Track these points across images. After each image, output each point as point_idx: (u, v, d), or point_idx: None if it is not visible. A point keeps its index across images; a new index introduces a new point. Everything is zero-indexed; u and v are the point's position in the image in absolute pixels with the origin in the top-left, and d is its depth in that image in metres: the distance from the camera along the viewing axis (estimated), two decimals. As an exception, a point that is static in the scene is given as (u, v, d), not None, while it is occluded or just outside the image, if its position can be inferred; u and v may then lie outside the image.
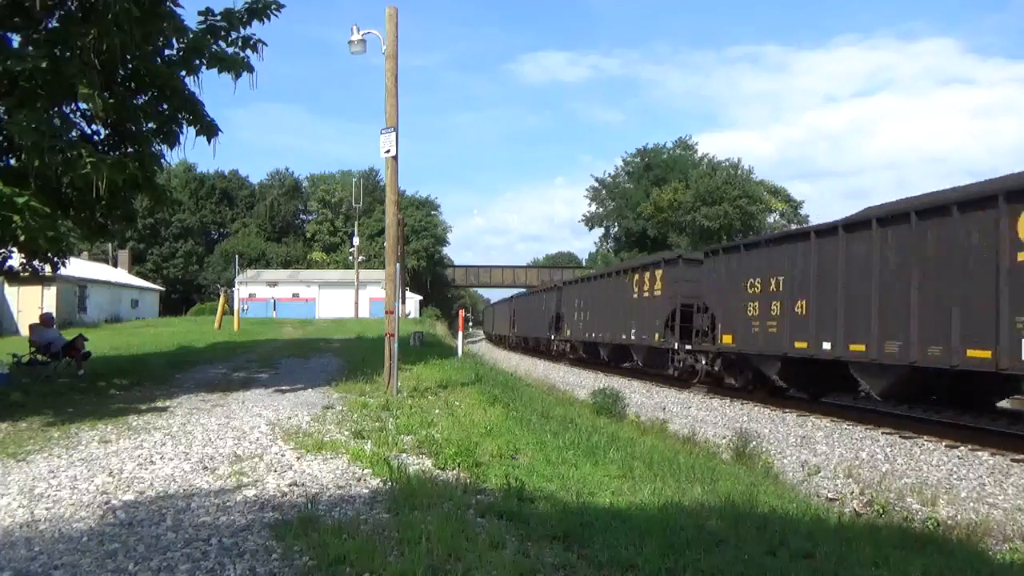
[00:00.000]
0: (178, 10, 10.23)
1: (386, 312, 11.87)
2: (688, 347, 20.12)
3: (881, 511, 7.94)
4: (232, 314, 39.65)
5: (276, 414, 9.33)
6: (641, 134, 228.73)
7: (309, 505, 5.16)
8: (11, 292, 36.37)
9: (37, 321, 14.84)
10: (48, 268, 12.14)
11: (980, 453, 11.14)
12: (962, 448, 11.46)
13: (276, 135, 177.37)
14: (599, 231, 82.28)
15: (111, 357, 17.54)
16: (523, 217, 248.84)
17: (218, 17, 10.52)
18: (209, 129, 11.05)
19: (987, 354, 10.74)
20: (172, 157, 11.76)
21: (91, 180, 8.99)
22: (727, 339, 17.84)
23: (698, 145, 79.69)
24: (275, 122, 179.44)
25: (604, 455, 7.75)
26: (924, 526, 6.85)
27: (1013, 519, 8.04)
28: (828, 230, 14.61)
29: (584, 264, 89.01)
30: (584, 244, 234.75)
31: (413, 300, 66.52)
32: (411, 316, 57.51)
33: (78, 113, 10.28)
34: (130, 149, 10.69)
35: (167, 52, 10.73)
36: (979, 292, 10.97)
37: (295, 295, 66.05)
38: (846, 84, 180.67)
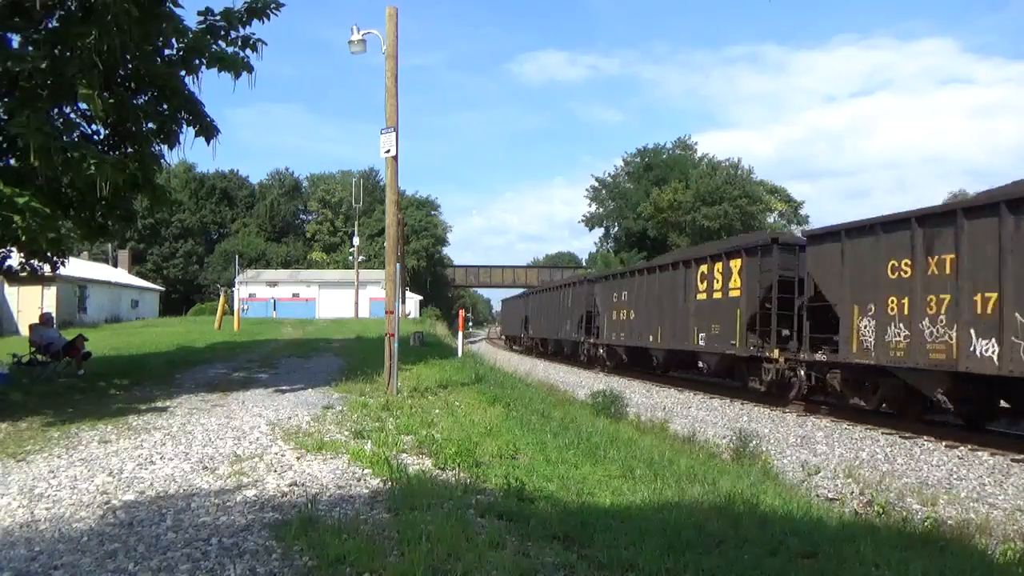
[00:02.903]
0: (178, 10, 10.24)
1: (386, 312, 11.87)
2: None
3: (881, 511, 7.94)
4: (232, 314, 39.65)
5: (276, 414, 9.33)
6: (640, 134, 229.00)
7: (309, 505, 5.16)
8: (11, 292, 36.39)
9: (37, 321, 14.85)
10: (48, 268, 12.14)
11: (980, 453, 11.14)
12: (962, 448, 11.46)
13: (276, 135, 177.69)
14: (599, 231, 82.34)
15: (111, 357, 17.54)
16: (523, 217, 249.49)
17: (217, 17, 10.52)
18: (208, 130, 11.05)
19: None
20: (172, 157, 11.77)
21: (93, 181, 9.00)
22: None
23: (697, 145, 79.79)
24: (275, 122, 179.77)
25: (604, 455, 7.75)
26: (924, 526, 6.85)
27: (1013, 519, 8.04)
28: None
29: (584, 264, 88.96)
30: (584, 244, 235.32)
31: (413, 300, 66.54)
32: (411, 316, 57.50)
33: (78, 113, 10.28)
34: (130, 149, 10.69)
35: (167, 52, 10.73)
36: None
37: (295, 295, 66.05)
38: (845, 84, 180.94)
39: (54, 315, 19.50)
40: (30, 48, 9.32)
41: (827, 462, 11.04)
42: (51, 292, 36.42)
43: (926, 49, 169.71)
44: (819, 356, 14.98)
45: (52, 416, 9.05)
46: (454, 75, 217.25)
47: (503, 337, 59.92)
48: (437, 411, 9.69)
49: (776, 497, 7.00)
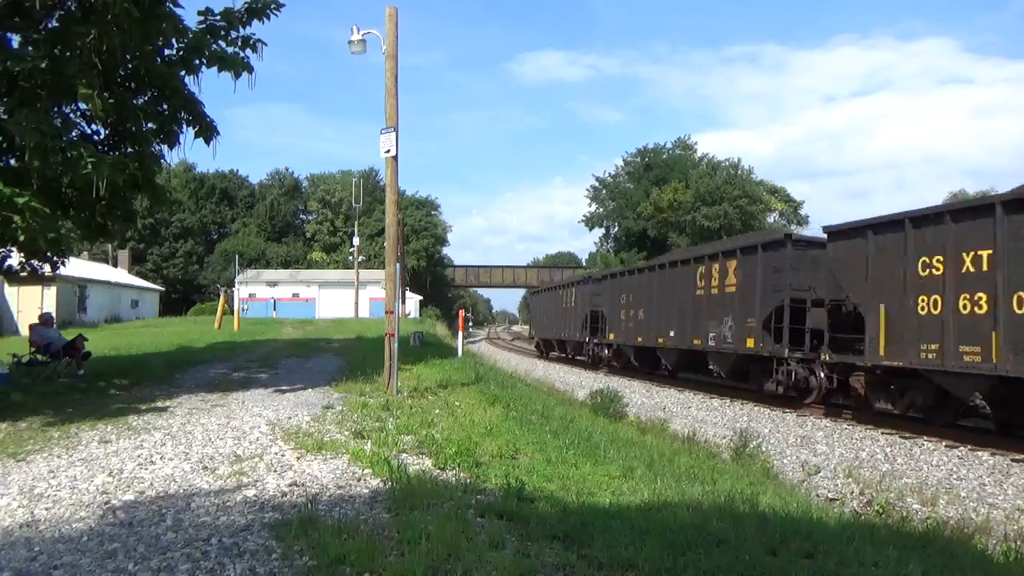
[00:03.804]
0: (178, 10, 10.23)
1: (386, 312, 11.87)
2: None
3: (881, 511, 7.94)
4: (232, 314, 39.62)
5: (276, 414, 9.33)
6: (640, 134, 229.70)
7: (309, 505, 5.16)
8: (11, 292, 36.38)
9: (37, 321, 14.85)
10: (48, 268, 12.13)
11: (980, 453, 11.14)
12: (962, 448, 11.46)
13: (276, 135, 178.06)
14: (599, 231, 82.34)
15: (111, 357, 17.53)
16: (522, 217, 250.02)
17: (218, 17, 10.50)
18: (208, 130, 11.03)
19: None
20: (172, 157, 11.75)
21: (91, 180, 8.99)
22: None
23: (697, 145, 79.82)
24: (275, 122, 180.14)
25: (604, 455, 7.74)
26: (924, 526, 6.85)
27: (1013, 519, 8.04)
28: None
29: (584, 264, 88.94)
30: (584, 244, 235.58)
31: (413, 300, 66.51)
32: (411, 316, 57.49)
33: (78, 113, 10.27)
34: (130, 149, 10.69)
35: (167, 52, 10.72)
36: None
37: (295, 295, 66.05)
38: (845, 83, 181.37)
39: (54, 315, 19.48)
40: (30, 48, 9.31)
41: (827, 462, 11.04)
42: (51, 292, 36.42)
43: (926, 49, 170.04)
44: None
45: (52, 416, 9.05)
46: (454, 75, 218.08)
47: (535, 341, 42.99)
48: (437, 411, 9.68)
49: (776, 497, 7.00)
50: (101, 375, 13.29)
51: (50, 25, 9.64)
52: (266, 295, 64.82)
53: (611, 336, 26.40)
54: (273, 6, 10.67)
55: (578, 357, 32.17)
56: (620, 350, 26.18)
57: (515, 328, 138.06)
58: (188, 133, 11.06)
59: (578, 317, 30.35)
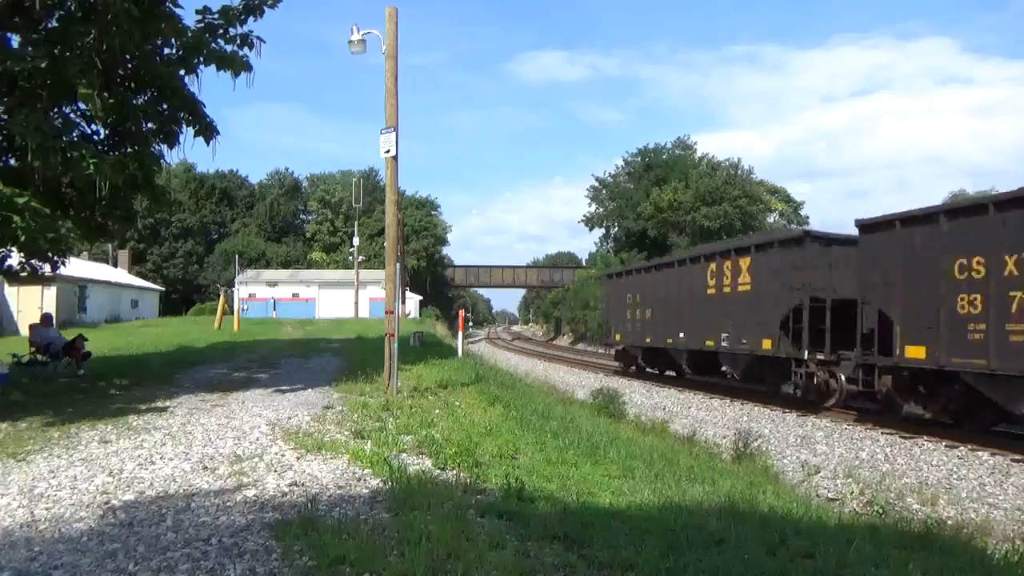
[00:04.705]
0: (177, 9, 10.23)
1: (386, 312, 11.86)
2: None
3: (881, 511, 7.94)
4: (232, 314, 39.62)
5: (276, 414, 9.32)
6: (639, 134, 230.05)
7: (309, 505, 5.16)
8: (11, 292, 36.37)
9: (37, 321, 14.85)
10: (48, 268, 12.13)
11: (980, 453, 11.14)
12: (962, 448, 11.47)
13: (276, 135, 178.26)
14: (599, 231, 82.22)
15: (111, 357, 17.53)
16: (522, 217, 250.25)
17: (216, 15, 10.49)
18: (208, 130, 11.03)
19: None
20: (172, 157, 11.74)
21: (92, 180, 8.99)
22: None
23: (697, 145, 79.69)
24: (275, 122, 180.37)
25: (604, 455, 7.74)
26: (924, 526, 6.85)
27: (1013, 519, 8.04)
28: None
29: (584, 264, 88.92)
30: (583, 244, 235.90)
31: (413, 300, 66.50)
32: (411, 316, 57.47)
33: (78, 113, 10.27)
34: (130, 149, 10.68)
35: (166, 52, 10.72)
36: None
37: (295, 295, 66.04)
38: (844, 83, 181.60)
39: (54, 315, 19.49)
40: (30, 48, 9.31)
41: (827, 462, 11.04)
42: (51, 292, 36.40)
43: (925, 49, 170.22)
44: None
45: (52, 416, 9.04)
46: (454, 75, 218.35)
47: (615, 348, 27.83)
48: (437, 411, 9.68)
49: (776, 497, 7.00)
50: (101, 375, 13.28)
51: (50, 25, 9.64)
52: (266, 295, 64.80)
53: (909, 352, 12.81)
54: (270, 2, 10.65)
55: (718, 379, 21.16)
56: (943, 381, 12.52)
57: (515, 328, 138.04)
58: (188, 133, 11.06)
59: (759, 313, 17.50)
